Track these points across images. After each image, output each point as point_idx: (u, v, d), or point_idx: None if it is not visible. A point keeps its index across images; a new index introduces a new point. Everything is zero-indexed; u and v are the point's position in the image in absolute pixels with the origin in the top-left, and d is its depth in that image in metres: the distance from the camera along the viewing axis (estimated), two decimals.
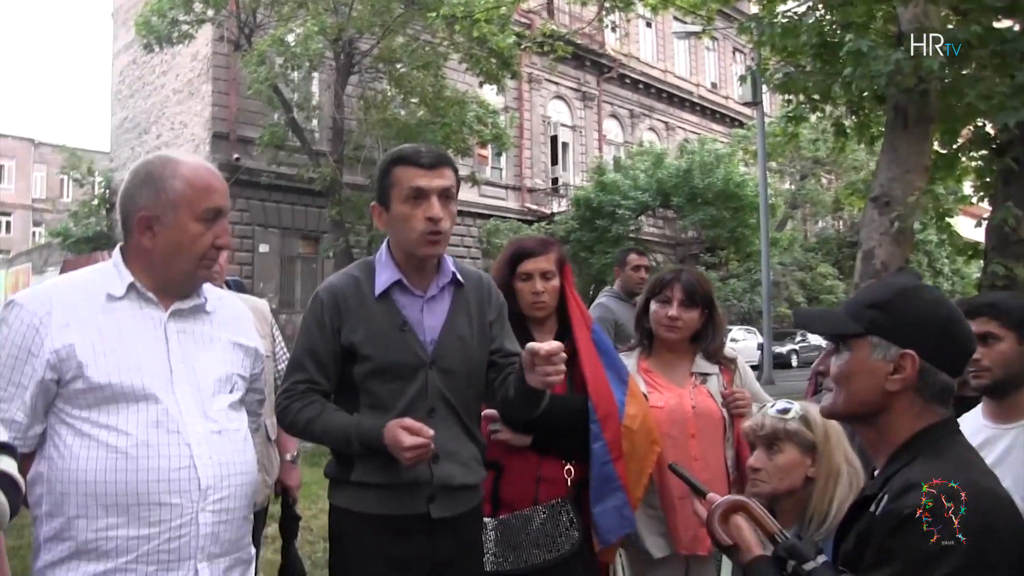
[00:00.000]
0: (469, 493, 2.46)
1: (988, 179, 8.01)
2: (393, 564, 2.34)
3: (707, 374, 3.24)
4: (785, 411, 2.28)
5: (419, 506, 2.35)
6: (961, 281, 32.25)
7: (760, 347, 22.98)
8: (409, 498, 2.35)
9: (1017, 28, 6.89)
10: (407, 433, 2.19)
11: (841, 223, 37.83)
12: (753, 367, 3.65)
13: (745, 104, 27.43)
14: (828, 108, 9.60)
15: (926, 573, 1.42)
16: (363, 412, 2.37)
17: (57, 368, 1.87)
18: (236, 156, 21.00)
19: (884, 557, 1.48)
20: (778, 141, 14.84)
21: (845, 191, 14.40)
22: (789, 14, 8.97)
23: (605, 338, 3.10)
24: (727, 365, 3.29)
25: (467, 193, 22.79)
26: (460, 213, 4.11)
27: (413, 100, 19.03)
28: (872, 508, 1.56)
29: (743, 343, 24.91)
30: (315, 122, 20.89)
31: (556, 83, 29.40)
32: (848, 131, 9.45)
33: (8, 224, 51.02)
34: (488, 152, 26.14)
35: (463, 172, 5.40)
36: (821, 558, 1.61)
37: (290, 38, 16.85)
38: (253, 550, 2.14)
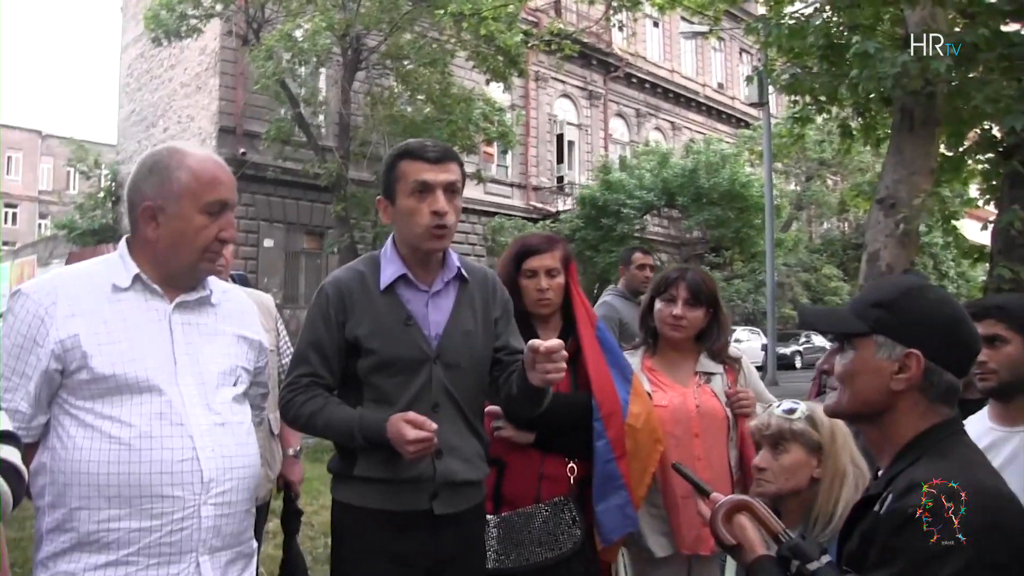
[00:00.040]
0: (472, 489, 2.46)
1: (994, 182, 7.99)
2: (395, 560, 2.33)
3: (711, 373, 3.23)
4: (791, 411, 2.28)
5: (422, 502, 2.35)
6: (966, 284, 32.20)
7: (764, 348, 22.95)
8: (412, 494, 2.34)
9: None
10: (410, 427, 2.19)
11: (846, 224, 37.82)
12: (757, 368, 3.63)
13: (751, 105, 27.41)
14: (834, 109, 9.59)
15: (929, 573, 1.41)
16: (367, 406, 2.37)
17: (62, 358, 1.87)
18: (242, 151, 21.03)
19: (888, 556, 1.47)
20: (784, 142, 14.82)
21: (851, 192, 14.43)
22: (796, 15, 8.97)
23: (609, 336, 3.09)
24: (731, 364, 3.28)
25: (472, 191, 22.82)
26: (465, 210, 4.12)
27: (420, 97, 19.04)
28: (876, 507, 1.55)
29: (747, 344, 24.85)
30: (321, 118, 20.95)
31: (563, 82, 29.41)
32: (854, 133, 9.45)
33: (14, 216, 51.13)
34: (494, 150, 26.14)
35: (469, 170, 5.40)
36: (825, 558, 1.61)
37: (298, 33, 16.87)
38: (255, 544, 2.13)
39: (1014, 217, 6.67)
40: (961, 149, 8.57)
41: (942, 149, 8.27)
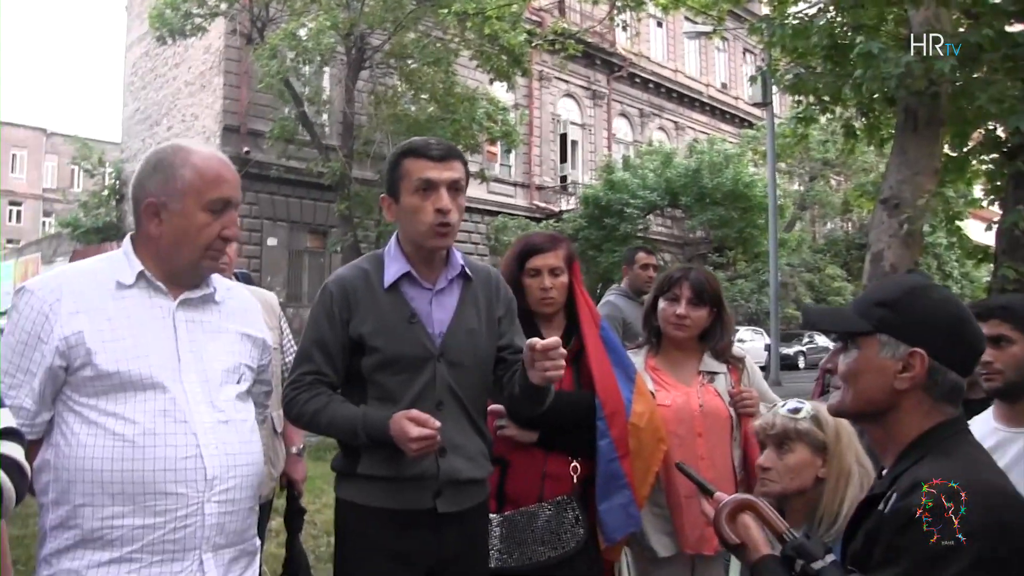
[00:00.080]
0: (475, 488, 2.46)
1: (999, 183, 8.00)
2: (398, 558, 2.33)
3: (715, 373, 3.22)
4: (796, 411, 2.27)
5: (425, 501, 2.34)
6: (971, 285, 32.15)
7: (767, 348, 22.91)
8: (415, 492, 2.34)
9: None
10: (413, 424, 2.18)
11: (850, 225, 37.76)
12: (760, 368, 3.63)
13: (755, 105, 27.36)
14: (838, 110, 9.60)
15: (933, 574, 1.41)
16: (371, 404, 2.37)
17: (66, 355, 1.87)
18: (246, 149, 21.03)
19: (892, 556, 1.46)
20: (787, 142, 14.78)
21: (854, 193, 14.41)
22: (800, 15, 8.96)
23: (613, 335, 3.09)
24: (735, 364, 3.27)
25: (475, 190, 22.80)
26: (468, 209, 4.11)
27: (423, 96, 19.02)
28: (880, 507, 1.55)
29: (750, 344, 24.80)
30: (325, 117, 20.94)
31: (566, 81, 29.40)
32: (858, 133, 9.45)
33: (19, 214, 51.24)
34: (497, 149, 26.11)
35: (472, 169, 5.40)
36: (830, 557, 1.60)
37: (302, 32, 16.88)
38: (258, 542, 2.13)
39: (1018, 217, 6.67)
40: (965, 149, 8.56)
41: (946, 149, 8.27)
